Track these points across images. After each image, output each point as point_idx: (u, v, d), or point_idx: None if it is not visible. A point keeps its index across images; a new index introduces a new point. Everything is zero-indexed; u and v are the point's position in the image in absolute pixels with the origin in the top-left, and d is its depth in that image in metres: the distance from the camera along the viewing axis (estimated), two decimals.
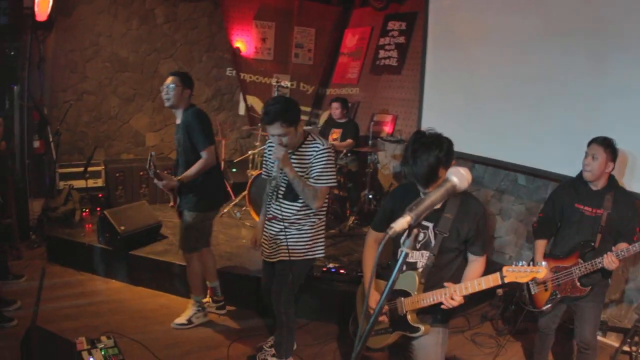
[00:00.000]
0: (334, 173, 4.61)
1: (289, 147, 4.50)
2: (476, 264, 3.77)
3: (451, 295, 3.52)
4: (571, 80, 6.34)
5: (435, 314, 3.83)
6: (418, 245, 3.73)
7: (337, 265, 6.66)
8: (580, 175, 4.84)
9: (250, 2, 11.04)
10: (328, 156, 4.55)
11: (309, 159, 4.56)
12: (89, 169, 8.74)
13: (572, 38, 6.32)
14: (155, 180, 5.35)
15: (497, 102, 7.30)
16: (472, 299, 3.80)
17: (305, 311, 6.36)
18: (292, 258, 4.71)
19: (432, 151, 3.39)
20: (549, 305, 4.94)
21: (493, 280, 3.36)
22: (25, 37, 8.38)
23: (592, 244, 4.66)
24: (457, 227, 3.66)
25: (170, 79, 5.62)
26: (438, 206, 3.33)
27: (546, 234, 5.07)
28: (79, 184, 8.73)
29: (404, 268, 3.59)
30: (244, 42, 11.10)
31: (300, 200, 4.63)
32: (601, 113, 5.99)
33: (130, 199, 8.99)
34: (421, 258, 3.76)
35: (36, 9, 8.26)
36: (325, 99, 11.76)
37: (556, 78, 6.53)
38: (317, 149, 4.55)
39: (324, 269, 6.56)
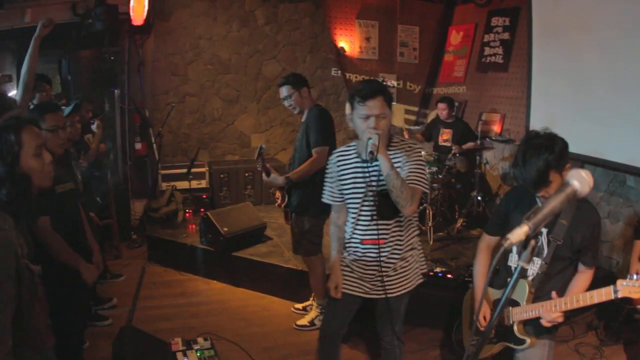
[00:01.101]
0: (427, 177, 3.88)
1: (382, 139, 3.62)
2: (584, 275, 3.56)
3: (555, 308, 3.34)
4: None
5: (543, 326, 3.54)
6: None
7: (444, 269, 6.39)
8: None
9: (352, 1, 10.94)
10: (421, 156, 3.89)
11: (400, 159, 3.79)
12: (193, 170, 8.77)
13: None
14: (263, 175, 5.24)
15: (608, 95, 6.86)
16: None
17: (410, 317, 6.11)
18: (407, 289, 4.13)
19: (542, 154, 3.17)
20: None
21: (605, 294, 3.08)
22: (122, 42, 8.50)
23: None
24: (572, 235, 3.45)
25: (282, 92, 5.54)
26: None
27: None
28: (182, 185, 8.81)
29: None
30: (347, 42, 10.99)
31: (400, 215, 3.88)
32: None
33: (234, 200, 9.01)
34: (532, 266, 3.57)
35: (132, 13, 8.38)
36: (432, 98, 11.50)
37: None
38: (411, 148, 3.84)
39: (431, 273, 6.28)
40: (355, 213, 3.89)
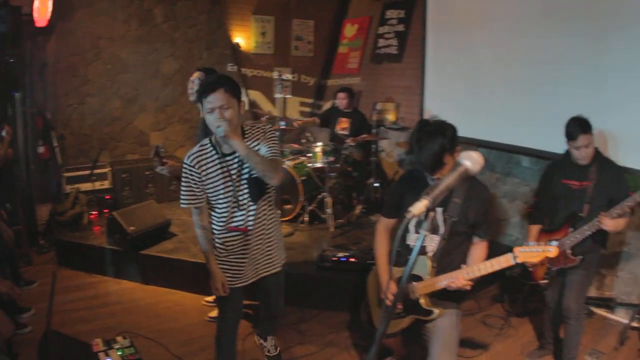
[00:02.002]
0: (280, 150, 4.18)
1: (233, 128, 3.77)
2: (480, 246, 3.90)
3: (464, 276, 3.58)
4: (571, 61, 6.41)
5: (448, 297, 3.85)
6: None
7: (346, 254, 6.62)
8: (567, 153, 4.92)
9: None
10: (274, 134, 4.13)
11: (256, 142, 4.01)
12: (95, 171, 8.79)
13: (571, 19, 6.37)
14: (159, 168, 5.16)
15: (499, 85, 7.38)
16: (481, 281, 3.82)
17: (316, 301, 6.44)
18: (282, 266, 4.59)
19: (436, 139, 3.44)
20: (547, 280, 5.05)
21: (505, 260, 3.42)
22: (25, 44, 8.40)
23: (580, 214, 4.75)
24: (466, 211, 3.74)
25: (196, 74, 5.71)
26: None
27: (541, 219, 5.14)
28: (86, 186, 8.76)
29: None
30: (243, 37, 11.15)
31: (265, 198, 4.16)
32: (602, 93, 6.05)
33: (137, 199, 9.01)
34: (430, 242, 3.83)
35: (35, 15, 8.27)
36: (327, 90, 11.83)
37: (557, 59, 6.59)
38: (263, 130, 4.06)
39: (334, 259, 6.54)
40: (223, 206, 4.05)
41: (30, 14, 8.25)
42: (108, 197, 8.99)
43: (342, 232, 8.11)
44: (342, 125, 9.32)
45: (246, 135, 4.00)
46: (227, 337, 4.44)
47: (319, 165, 8.41)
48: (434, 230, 3.79)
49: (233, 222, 4.09)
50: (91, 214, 8.52)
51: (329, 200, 8.28)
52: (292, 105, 11.76)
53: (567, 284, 4.93)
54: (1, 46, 7.95)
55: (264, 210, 4.16)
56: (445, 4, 8.47)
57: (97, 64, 9.54)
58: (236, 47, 11.07)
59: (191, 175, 3.98)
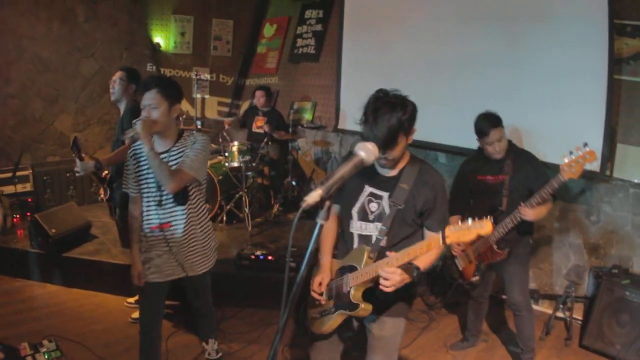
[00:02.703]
0: (204, 166, 4.29)
1: (159, 130, 4.06)
2: (430, 240, 3.18)
3: (389, 263, 3.19)
4: (487, 60, 6.83)
5: (392, 301, 3.56)
6: (372, 217, 3.50)
7: (264, 252, 6.82)
8: (480, 149, 5.08)
9: None
10: (204, 145, 4.22)
11: (185, 149, 4.19)
12: (17, 173, 8.81)
13: (485, 22, 6.79)
14: (77, 162, 5.18)
15: (414, 84, 7.43)
16: None
17: (236, 299, 6.64)
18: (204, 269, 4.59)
19: (395, 112, 3.14)
20: (477, 276, 5.09)
21: (434, 242, 3.01)
22: None
23: (500, 207, 4.85)
24: (414, 198, 3.40)
25: (117, 74, 5.81)
26: (392, 174, 3.46)
27: (457, 210, 4.98)
28: (8, 189, 8.74)
29: (358, 242, 3.59)
30: (163, 37, 11.27)
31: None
32: (517, 93, 6.49)
33: (59, 202, 9.04)
34: (375, 231, 3.49)
35: None
36: (245, 90, 12.02)
37: (472, 57, 7.01)
38: (195, 139, 4.23)
39: (252, 257, 6.74)
40: (147, 201, 4.27)
41: None
42: (30, 199, 8.94)
43: (261, 231, 8.34)
44: (258, 124, 9.54)
45: (180, 140, 4.24)
46: (148, 335, 4.52)
47: (235, 164, 8.56)
48: (379, 217, 3.47)
49: (154, 218, 4.26)
50: (14, 217, 8.50)
51: (246, 198, 8.47)
52: (211, 105, 11.94)
53: (506, 281, 5.08)
54: None
55: (186, 212, 4.26)
56: (362, 3, 8.79)
57: (19, 63, 9.46)
58: (156, 47, 11.17)
59: (128, 164, 4.30)
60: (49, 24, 9.77)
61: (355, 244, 3.60)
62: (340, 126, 9.48)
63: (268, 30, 11.71)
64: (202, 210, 4.48)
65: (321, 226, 2.22)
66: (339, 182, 2.32)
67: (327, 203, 2.26)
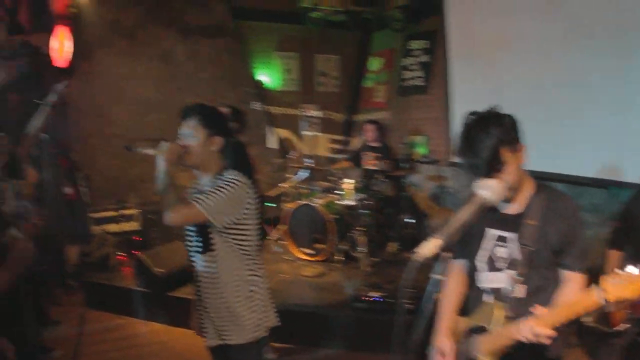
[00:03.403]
0: (229, 210, 3.44)
1: (194, 163, 3.54)
2: (570, 284, 2.74)
3: (534, 325, 2.49)
4: (598, 81, 6.32)
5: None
6: (501, 265, 2.88)
7: (381, 293, 6.44)
8: None
9: (270, 34, 11.10)
10: (229, 187, 3.43)
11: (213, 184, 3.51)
12: (123, 212, 8.83)
13: (595, 39, 6.32)
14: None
15: (526, 111, 6.94)
16: None
17: (350, 343, 6.28)
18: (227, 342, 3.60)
19: (490, 129, 2.67)
20: (626, 325, 4.10)
21: (589, 298, 2.31)
22: (46, 85, 8.40)
23: None
24: (545, 234, 2.76)
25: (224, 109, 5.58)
26: (517, 209, 2.83)
27: (622, 244, 4.30)
28: (114, 228, 8.79)
29: (487, 297, 2.94)
30: (267, 75, 11.13)
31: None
32: (630, 112, 5.93)
33: (165, 240, 8.83)
34: (507, 281, 2.86)
35: (53, 54, 8.30)
36: (355, 126, 11.72)
37: (583, 80, 6.52)
38: (226, 178, 3.48)
39: (368, 298, 6.38)
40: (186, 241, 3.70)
41: (50, 55, 8.28)
42: (136, 238, 8.92)
43: (377, 271, 7.92)
44: (371, 161, 9.11)
45: (217, 176, 3.56)
46: None
47: (349, 202, 8.32)
48: (511, 264, 2.83)
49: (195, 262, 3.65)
50: (119, 255, 8.45)
51: (361, 238, 8.12)
52: (322, 143, 11.68)
53: None
54: (25, 87, 7.95)
55: (209, 263, 3.53)
56: (466, 31, 8.49)
57: (120, 104, 9.53)
58: (260, 85, 11.04)
59: None
60: (149, 64, 9.86)
61: (484, 299, 2.95)
62: (454, 159, 8.95)
63: (373, 63, 11.50)
64: (238, 271, 3.57)
65: (439, 282, 2.04)
66: (459, 230, 2.12)
67: (444, 255, 2.08)
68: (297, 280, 7.57)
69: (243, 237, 3.54)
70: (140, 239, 9.01)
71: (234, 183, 3.45)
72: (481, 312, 2.92)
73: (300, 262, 8.35)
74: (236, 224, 3.46)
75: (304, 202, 8.37)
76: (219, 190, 3.40)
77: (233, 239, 3.51)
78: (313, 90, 11.58)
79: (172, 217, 3.38)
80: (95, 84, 9.28)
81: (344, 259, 8.26)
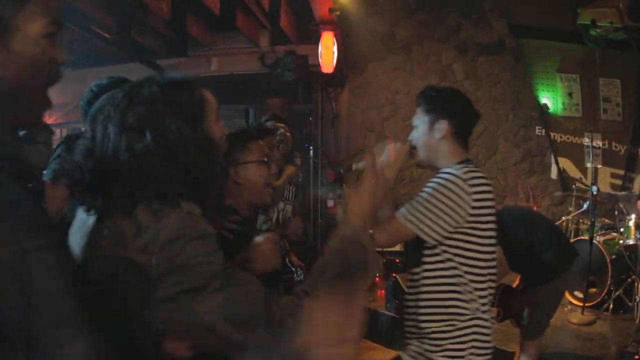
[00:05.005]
0: (433, 215, 2.78)
1: (422, 158, 3.11)
2: None
3: None
4: None
5: None
6: None
7: None
8: None
9: (552, 53, 10.55)
10: (444, 186, 2.83)
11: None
12: None
13: None
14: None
15: None
16: None
17: None
18: None
19: None
20: None
21: None
22: (315, 96, 8.61)
23: None
24: None
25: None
26: None
27: None
28: None
29: None
30: (550, 98, 10.60)
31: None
32: None
33: None
34: None
35: (320, 60, 8.62)
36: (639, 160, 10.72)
37: None
38: (439, 175, 2.93)
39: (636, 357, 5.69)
40: None
41: (317, 65, 8.45)
42: (398, 260, 8.86)
43: None
44: None
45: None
46: None
47: (631, 242, 7.61)
48: None
49: None
50: (376, 277, 8.33)
51: (639, 283, 7.29)
52: (603, 176, 10.70)
53: None
54: (290, 94, 8.21)
55: (420, 281, 2.89)
56: None
57: (394, 119, 9.59)
58: (544, 108, 10.53)
59: None
60: (426, 81, 9.74)
61: None
62: None
63: None
64: (457, 295, 2.81)
65: None
66: None
67: None
68: (564, 326, 7.01)
69: (455, 254, 2.84)
70: (403, 261, 8.83)
71: (437, 187, 2.87)
72: None
73: (570, 306, 7.64)
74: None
75: (583, 238, 7.87)
76: (435, 196, 2.83)
77: (443, 253, 2.85)
78: (596, 117, 10.71)
79: (377, 238, 2.70)
80: (368, 97, 9.44)
81: (612, 306, 7.49)
